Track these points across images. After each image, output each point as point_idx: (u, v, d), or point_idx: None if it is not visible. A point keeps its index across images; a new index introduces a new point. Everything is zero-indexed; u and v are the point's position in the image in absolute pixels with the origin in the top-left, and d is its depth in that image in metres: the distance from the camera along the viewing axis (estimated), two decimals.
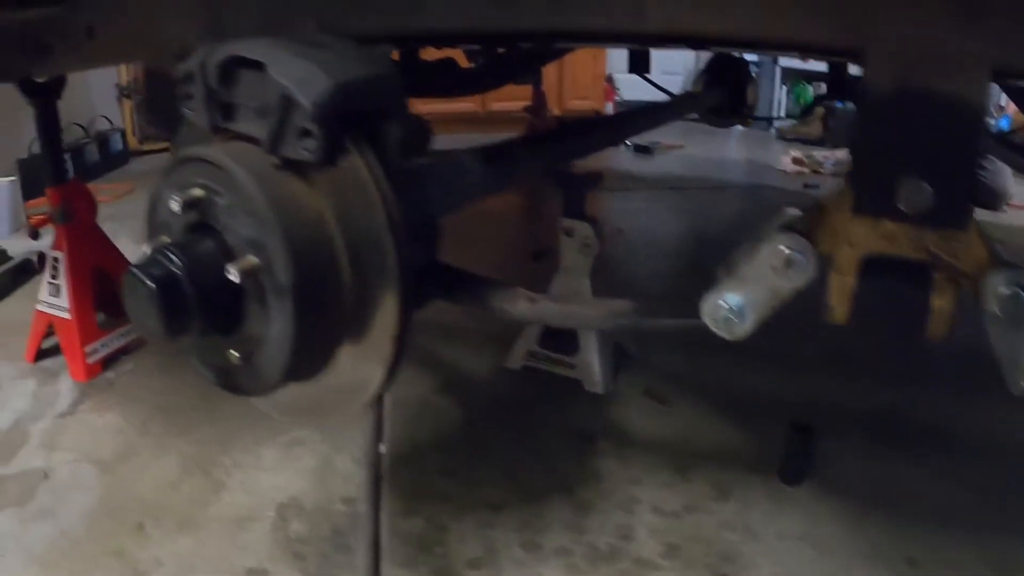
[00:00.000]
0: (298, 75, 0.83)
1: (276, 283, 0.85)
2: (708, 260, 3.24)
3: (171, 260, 0.87)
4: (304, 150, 0.84)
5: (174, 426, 1.85)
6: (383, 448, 1.74)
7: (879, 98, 0.88)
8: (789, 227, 0.95)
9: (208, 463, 1.71)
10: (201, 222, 0.91)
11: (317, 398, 1.02)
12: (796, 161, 4.95)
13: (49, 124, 2.16)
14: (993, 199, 4.10)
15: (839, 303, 0.97)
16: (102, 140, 5.09)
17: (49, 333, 2.21)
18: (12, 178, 3.89)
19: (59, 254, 2.13)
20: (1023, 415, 1.87)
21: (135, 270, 0.86)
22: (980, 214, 0.94)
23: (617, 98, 6.50)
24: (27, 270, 3.02)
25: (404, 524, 1.53)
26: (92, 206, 2.19)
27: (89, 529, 1.53)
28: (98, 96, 5.08)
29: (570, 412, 1.93)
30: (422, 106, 4.59)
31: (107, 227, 2.30)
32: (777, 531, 1.53)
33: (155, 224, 0.98)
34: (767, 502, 1.61)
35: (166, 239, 0.94)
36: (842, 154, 5.06)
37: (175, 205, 0.89)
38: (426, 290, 1.06)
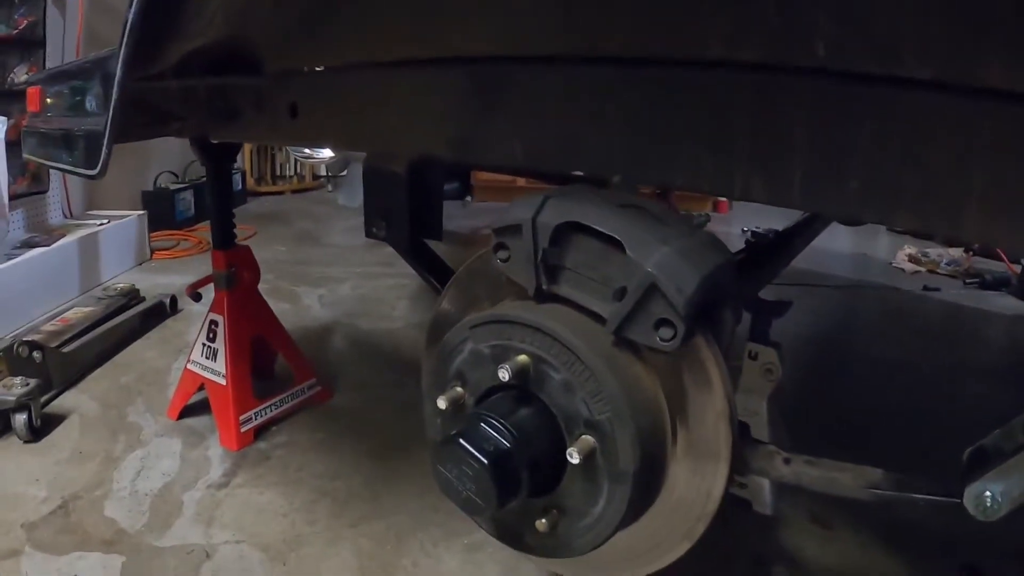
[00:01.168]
0: (662, 263, 0.81)
1: (614, 467, 0.83)
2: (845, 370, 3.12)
3: (501, 433, 0.85)
4: (660, 339, 0.82)
5: (343, 516, 1.82)
6: None
7: None
8: None
9: (387, 563, 1.66)
10: (518, 388, 0.89)
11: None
12: (912, 259, 4.82)
13: (221, 186, 2.17)
14: None
15: None
16: None
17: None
18: (141, 212, 3.97)
19: (219, 318, 2.13)
20: None
21: (464, 442, 0.84)
22: None
23: None
24: (159, 312, 3.05)
25: None
26: (256, 273, 2.20)
27: None
28: None
29: (747, 535, 1.88)
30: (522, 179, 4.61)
31: None
32: None
33: (446, 374, 0.97)
34: None
35: (463, 393, 0.93)
36: (956, 253, 4.94)
37: (503, 372, 0.87)
38: None
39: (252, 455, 2.08)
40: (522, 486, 0.85)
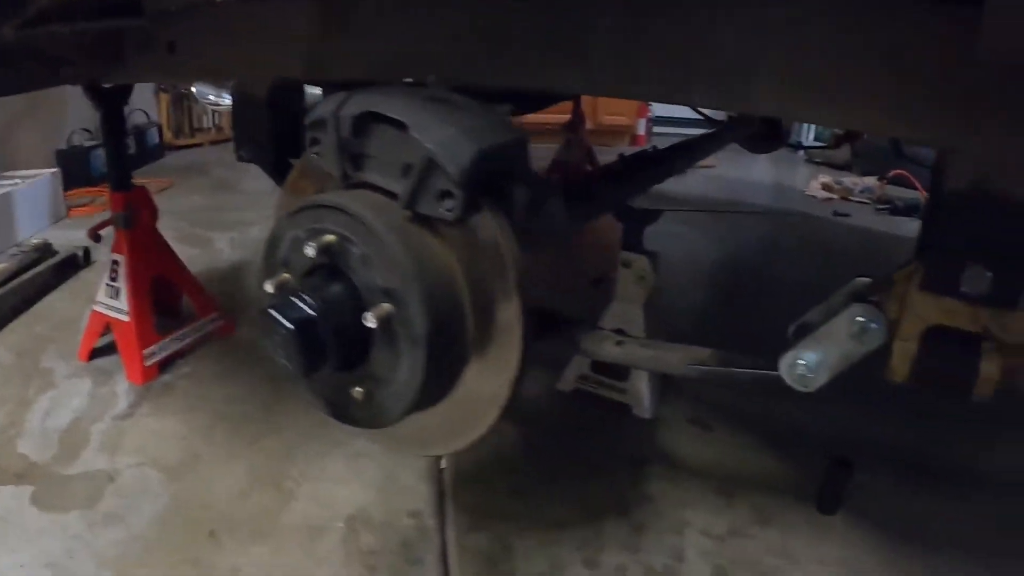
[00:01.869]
0: (442, 139, 0.89)
1: (410, 331, 0.91)
2: (745, 291, 3.32)
3: (307, 303, 0.93)
4: (444, 210, 0.90)
5: (239, 436, 1.90)
6: (444, 464, 1.81)
7: (957, 195, 0.95)
8: (863, 296, 1.03)
9: (276, 474, 1.76)
10: (329, 266, 0.97)
11: (432, 431, 1.08)
12: (825, 187, 4.97)
13: (114, 129, 2.21)
14: None
15: (901, 365, 1.06)
16: (139, 134, 5.19)
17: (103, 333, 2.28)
18: (54, 170, 3.95)
19: (120, 257, 2.18)
20: None
21: (273, 312, 0.92)
22: None
23: (650, 114, 6.57)
24: (72, 265, 3.07)
25: (470, 540, 1.58)
26: (154, 212, 2.25)
27: (161, 535, 1.57)
28: (135, 91, 5.14)
29: (622, 436, 1.98)
30: None
31: None
32: (817, 557, 1.59)
33: (274, 261, 1.05)
34: (807, 529, 1.67)
35: (288, 277, 1.00)
36: (871, 181, 5.09)
37: (310, 250, 0.94)
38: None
39: (157, 387, 2.15)
40: (328, 352, 0.93)
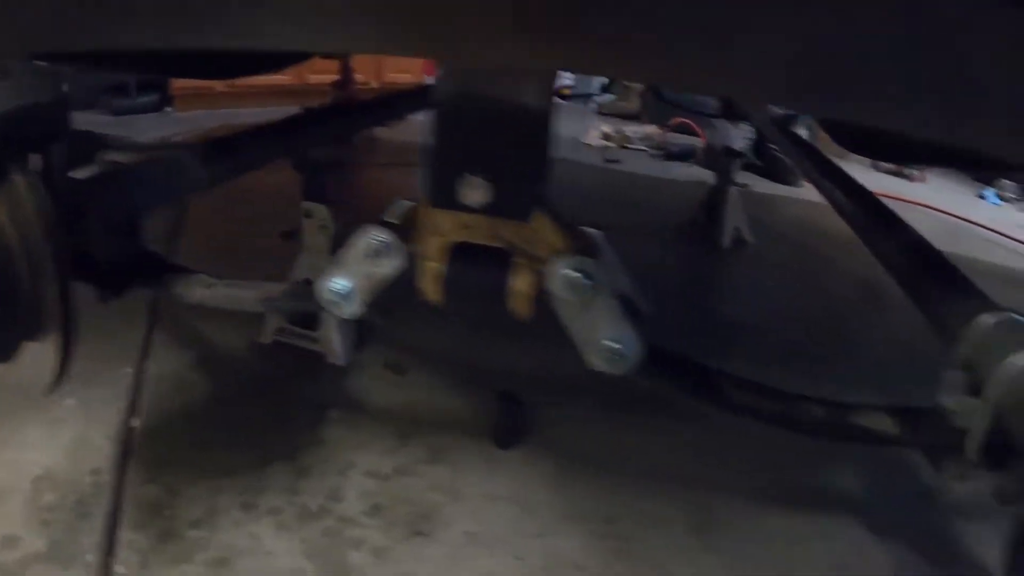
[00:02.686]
0: None
1: None
2: None
3: None
4: None
5: None
6: (136, 422, 1.79)
7: (446, 103, 0.98)
8: (384, 220, 1.07)
9: None
10: None
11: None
12: (604, 136, 5.13)
13: None
14: (789, 176, 4.43)
15: (430, 284, 1.10)
16: None
17: None
18: None
19: None
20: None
21: None
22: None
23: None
24: None
25: (143, 491, 1.58)
26: None
27: None
28: None
29: (312, 384, 2.01)
30: (221, 84, 4.52)
31: None
32: (483, 492, 1.67)
33: None
34: (480, 465, 1.75)
35: None
36: (652, 129, 5.28)
37: None
38: (124, 280, 1.13)
39: None
40: None
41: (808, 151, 2.68)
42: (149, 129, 4.99)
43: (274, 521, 1.53)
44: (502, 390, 1.84)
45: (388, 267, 1.07)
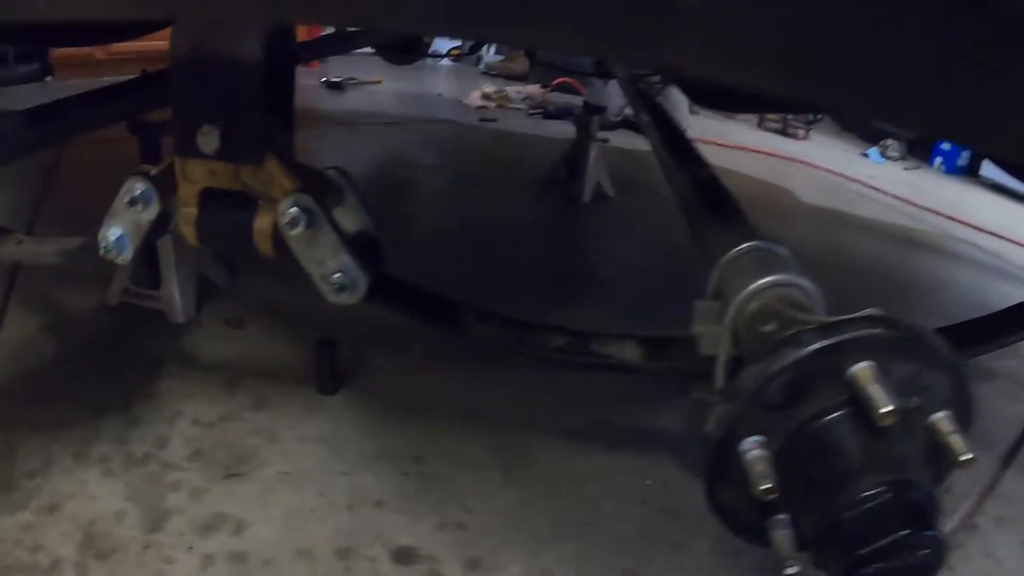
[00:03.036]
0: None
1: None
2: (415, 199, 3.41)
3: None
4: None
5: None
6: None
7: (180, 59, 1.11)
8: (142, 170, 1.20)
9: None
10: None
11: None
12: (485, 96, 5.23)
13: None
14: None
15: (186, 228, 1.23)
16: None
17: None
18: None
19: None
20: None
21: None
22: None
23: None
24: None
25: None
26: None
27: None
28: None
29: (153, 342, 2.12)
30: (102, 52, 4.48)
31: None
32: (299, 435, 1.82)
33: None
34: (300, 411, 1.90)
35: None
36: (534, 89, 5.41)
37: None
38: None
39: None
40: None
41: (647, 103, 2.81)
42: (30, 98, 4.91)
43: (102, 468, 1.67)
44: (320, 338, 1.96)
45: (150, 214, 1.19)
